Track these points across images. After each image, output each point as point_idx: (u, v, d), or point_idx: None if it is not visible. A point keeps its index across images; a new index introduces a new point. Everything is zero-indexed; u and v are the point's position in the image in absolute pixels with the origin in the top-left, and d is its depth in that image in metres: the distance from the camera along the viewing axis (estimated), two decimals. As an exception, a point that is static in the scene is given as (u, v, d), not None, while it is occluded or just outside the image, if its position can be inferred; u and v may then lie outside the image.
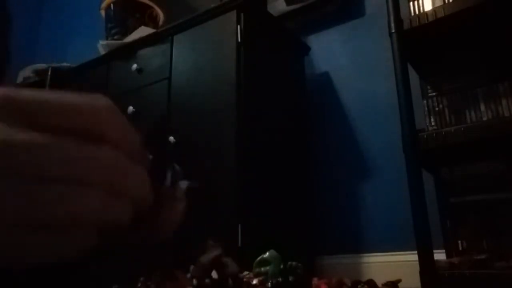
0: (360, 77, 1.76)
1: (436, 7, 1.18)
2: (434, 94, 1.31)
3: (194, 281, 0.29)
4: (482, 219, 1.21)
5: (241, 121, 1.37)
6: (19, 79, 2.40)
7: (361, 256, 1.59)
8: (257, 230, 1.30)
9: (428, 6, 1.22)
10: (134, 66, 1.70)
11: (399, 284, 1.35)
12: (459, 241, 1.22)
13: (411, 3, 1.25)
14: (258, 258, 0.41)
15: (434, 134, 1.11)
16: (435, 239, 1.09)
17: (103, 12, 2.20)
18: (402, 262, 1.42)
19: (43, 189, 0.16)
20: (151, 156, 0.22)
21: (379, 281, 1.39)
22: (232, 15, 1.49)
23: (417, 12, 1.23)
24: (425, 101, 1.29)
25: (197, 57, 1.57)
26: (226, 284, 0.24)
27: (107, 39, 2.06)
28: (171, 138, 1.46)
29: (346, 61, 1.83)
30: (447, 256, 1.22)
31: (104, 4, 2.18)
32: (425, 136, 1.12)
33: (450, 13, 1.14)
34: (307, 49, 1.88)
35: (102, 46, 1.93)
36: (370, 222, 1.61)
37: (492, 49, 1.28)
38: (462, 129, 1.08)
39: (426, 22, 1.17)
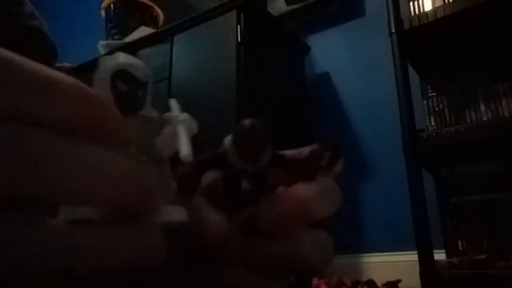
0: (360, 77, 1.76)
1: (436, 7, 1.18)
2: (434, 94, 1.31)
3: None
4: (482, 219, 1.21)
5: (241, 121, 1.37)
6: (19, 79, 2.39)
7: (361, 256, 1.59)
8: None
9: (428, 6, 1.22)
10: (134, 66, 1.69)
11: (399, 284, 1.35)
12: (459, 241, 1.22)
13: (411, 3, 1.25)
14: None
15: (434, 134, 1.11)
16: (435, 239, 1.09)
17: (103, 12, 2.20)
18: (402, 262, 1.42)
19: None
20: None
21: (379, 281, 1.39)
22: (232, 15, 1.49)
23: (417, 12, 1.23)
24: (425, 101, 1.29)
25: (197, 57, 1.57)
26: None
27: (107, 39, 2.06)
28: (171, 138, 1.46)
29: (346, 61, 1.82)
30: (447, 256, 1.22)
31: (104, 4, 2.18)
32: (425, 136, 1.12)
33: (450, 13, 1.14)
34: (307, 49, 1.88)
35: (102, 46, 1.93)
36: (370, 222, 1.61)
37: (492, 49, 1.28)
38: (462, 129, 1.08)
39: (426, 22, 1.17)
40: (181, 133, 0.18)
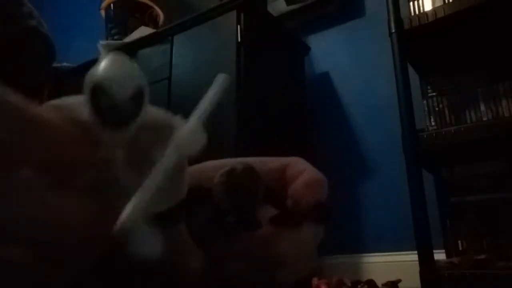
0: (360, 77, 1.76)
1: (436, 7, 1.18)
2: (434, 94, 1.31)
3: None
4: (482, 219, 1.20)
5: (241, 121, 1.37)
6: (19, 79, 2.39)
7: (361, 256, 1.59)
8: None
9: (428, 6, 1.22)
10: (134, 66, 1.69)
11: (399, 284, 1.35)
12: (459, 241, 1.22)
13: (411, 3, 1.25)
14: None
15: (434, 134, 1.11)
16: (435, 239, 1.09)
17: (103, 12, 2.20)
18: (402, 262, 1.42)
19: None
20: None
21: (379, 281, 1.39)
22: (232, 15, 1.49)
23: (417, 12, 1.23)
24: (425, 101, 1.29)
25: (197, 57, 1.57)
26: None
27: (107, 39, 2.06)
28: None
29: (346, 61, 1.82)
30: (447, 256, 1.22)
31: (104, 4, 2.18)
32: (425, 136, 1.12)
33: (450, 13, 1.14)
34: (307, 49, 1.88)
35: (102, 46, 1.93)
36: (370, 222, 1.61)
37: (492, 49, 1.28)
38: (462, 129, 1.08)
39: (426, 22, 1.17)
40: (160, 168, 0.16)
